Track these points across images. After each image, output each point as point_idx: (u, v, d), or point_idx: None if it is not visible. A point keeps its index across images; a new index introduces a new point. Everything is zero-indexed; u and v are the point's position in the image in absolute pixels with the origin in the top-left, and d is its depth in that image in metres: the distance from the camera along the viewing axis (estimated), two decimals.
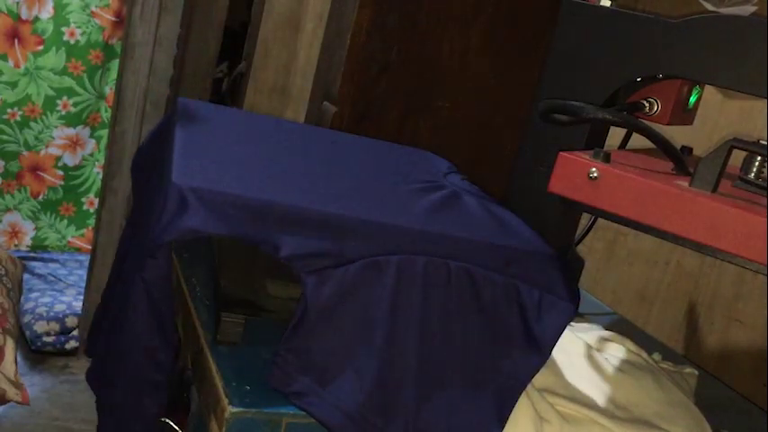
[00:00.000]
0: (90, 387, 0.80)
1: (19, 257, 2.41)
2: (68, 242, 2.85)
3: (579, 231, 1.03)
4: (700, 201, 0.72)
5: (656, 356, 0.89)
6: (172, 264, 0.79)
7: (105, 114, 2.72)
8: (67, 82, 2.60)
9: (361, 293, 0.64)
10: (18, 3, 2.43)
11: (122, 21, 2.47)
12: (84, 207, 2.84)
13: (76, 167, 2.77)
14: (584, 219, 1.02)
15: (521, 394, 0.69)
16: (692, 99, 0.95)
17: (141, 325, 0.67)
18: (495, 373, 0.69)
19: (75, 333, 2.36)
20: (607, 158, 0.78)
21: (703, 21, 0.81)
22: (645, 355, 0.86)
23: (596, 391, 0.77)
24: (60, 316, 2.36)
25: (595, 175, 0.77)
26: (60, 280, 2.59)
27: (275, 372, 0.64)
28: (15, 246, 2.75)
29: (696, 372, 0.90)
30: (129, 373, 0.69)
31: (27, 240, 2.78)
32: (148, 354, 0.68)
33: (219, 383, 0.65)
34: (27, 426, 1.99)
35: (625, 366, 0.81)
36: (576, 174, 0.78)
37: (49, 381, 2.22)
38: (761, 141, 0.81)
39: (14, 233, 2.76)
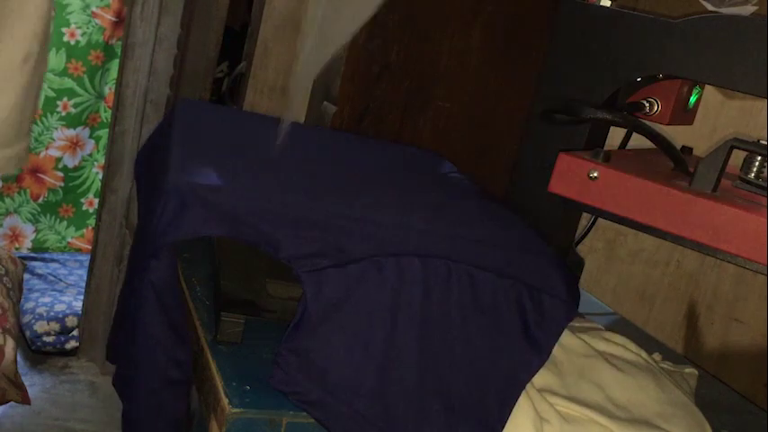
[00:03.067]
0: (117, 393, 0.80)
1: (19, 257, 2.41)
2: (68, 243, 2.85)
3: (579, 231, 1.03)
4: (700, 201, 0.72)
5: (656, 356, 0.89)
6: (176, 263, 0.79)
7: (105, 114, 2.72)
8: (68, 83, 2.60)
9: (361, 293, 0.64)
10: None
11: (122, 21, 2.47)
12: (84, 207, 2.84)
13: (76, 168, 2.77)
14: (585, 219, 1.02)
15: (521, 394, 0.69)
16: (692, 99, 0.95)
17: (154, 325, 0.67)
18: (495, 373, 0.69)
19: (75, 333, 2.36)
20: (607, 158, 0.78)
21: (703, 21, 0.81)
22: (645, 355, 0.85)
23: (596, 390, 0.77)
24: (60, 316, 2.36)
25: (595, 175, 0.77)
26: (60, 280, 2.59)
27: (276, 372, 0.64)
28: (16, 249, 2.75)
29: (696, 372, 0.90)
30: (150, 374, 0.69)
31: (27, 243, 2.78)
32: (166, 353, 0.68)
33: (219, 383, 0.65)
34: (27, 426, 1.99)
35: (625, 366, 0.81)
36: (576, 174, 0.78)
37: (49, 381, 2.22)
38: (761, 141, 0.81)
39: (15, 236, 2.76)
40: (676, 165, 0.83)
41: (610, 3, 0.90)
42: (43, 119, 2.61)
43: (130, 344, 0.72)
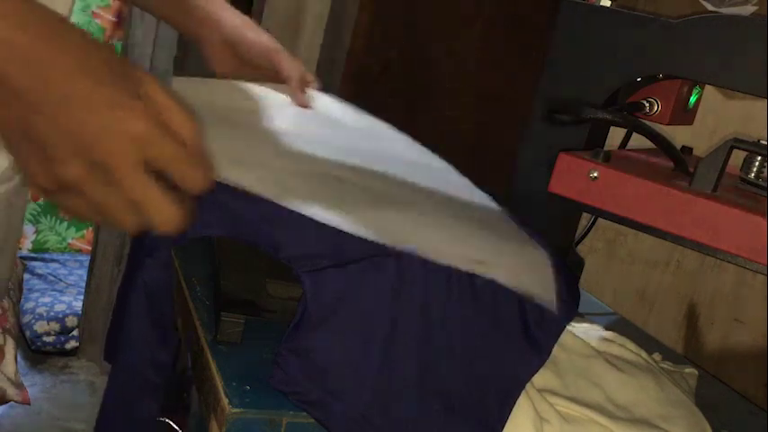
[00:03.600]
0: None
1: (20, 257, 2.41)
2: (69, 244, 2.85)
3: (579, 231, 1.03)
4: (700, 201, 0.72)
5: (656, 356, 0.89)
6: (172, 264, 0.79)
7: None
8: None
9: (361, 293, 0.64)
10: None
11: (122, 21, 2.47)
12: None
13: None
14: (585, 219, 1.02)
15: (521, 394, 0.69)
16: (692, 99, 0.95)
17: (140, 325, 0.67)
18: (495, 373, 0.69)
19: (75, 333, 2.36)
20: (607, 158, 0.78)
21: (703, 21, 0.81)
22: (645, 355, 0.85)
23: (596, 391, 0.77)
24: (60, 316, 2.36)
25: (595, 175, 0.77)
26: (60, 280, 2.59)
27: (276, 372, 0.64)
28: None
29: (696, 372, 0.90)
30: (127, 372, 0.69)
31: (28, 244, 2.78)
32: (147, 354, 0.68)
33: (219, 383, 0.65)
34: (27, 426, 1.99)
35: (625, 366, 0.81)
36: (576, 174, 0.78)
37: (49, 381, 2.22)
38: (761, 141, 0.81)
39: None
40: (676, 165, 0.83)
41: (610, 3, 0.90)
42: None
43: (118, 342, 0.72)
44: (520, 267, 0.71)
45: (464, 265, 0.67)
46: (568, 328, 0.74)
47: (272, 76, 0.89)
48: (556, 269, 0.75)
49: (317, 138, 0.85)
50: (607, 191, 0.77)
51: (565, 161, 0.79)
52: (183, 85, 0.86)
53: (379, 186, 0.78)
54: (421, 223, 0.70)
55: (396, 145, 0.97)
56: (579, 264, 1.01)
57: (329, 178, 0.75)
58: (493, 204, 0.85)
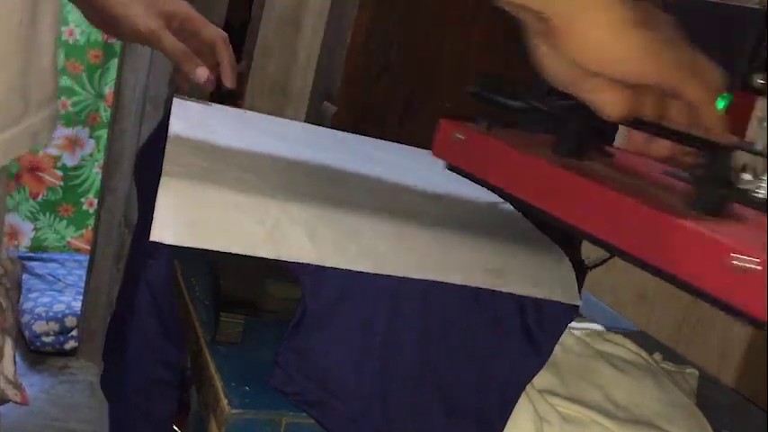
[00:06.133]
0: (103, 393, 0.80)
1: (18, 257, 2.40)
2: (68, 242, 2.84)
3: None
4: (562, 173, 0.65)
5: (657, 356, 0.89)
6: (173, 264, 0.79)
7: (104, 114, 2.72)
8: (66, 82, 2.60)
9: (361, 293, 0.64)
10: None
11: None
12: (84, 207, 2.84)
13: (76, 168, 2.77)
14: None
15: (521, 395, 0.69)
16: (721, 104, 0.92)
17: (147, 325, 0.67)
18: (495, 374, 0.69)
19: (74, 333, 2.36)
20: (488, 128, 0.73)
21: None
22: (645, 355, 0.85)
23: (596, 391, 0.77)
24: (59, 316, 2.36)
25: (460, 137, 0.73)
26: (59, 280, 2.59)
27: (276, 372, 0.64)
28: (15, 247, 2.75)
29: (696, 372, 0.90)
30: (139, 374, 0.69)
31: (26, 241, 2.77)
32: (156, 353, 0.68)
33: (219, 383, 0.65)
34: (26, 426, 1.99)
35: (625, 366, 0.81)
36: (447, 137, 0.75)
37: (48, 381, 2.22)
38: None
39: (13, 234, 2.76)
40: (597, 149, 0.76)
41: None
42: None
43: (123, 342, 0.72)
44: (537, 272, 0.70)
45: (478, 276, 0.67)
46: (568, 327, 0.74)
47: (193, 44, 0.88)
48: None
49: (325, 160, 0.85)
50: (474, 155, 0.72)
51: (443, 126, 0.75)
52: (185, 109, 0.86)
53: (386, 197, 0.77)
54: (432, 232, 0.69)
55: (398, 152, 0.97)
56: (579, 264, 1.00)
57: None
58: (504, 204, 0.85)
